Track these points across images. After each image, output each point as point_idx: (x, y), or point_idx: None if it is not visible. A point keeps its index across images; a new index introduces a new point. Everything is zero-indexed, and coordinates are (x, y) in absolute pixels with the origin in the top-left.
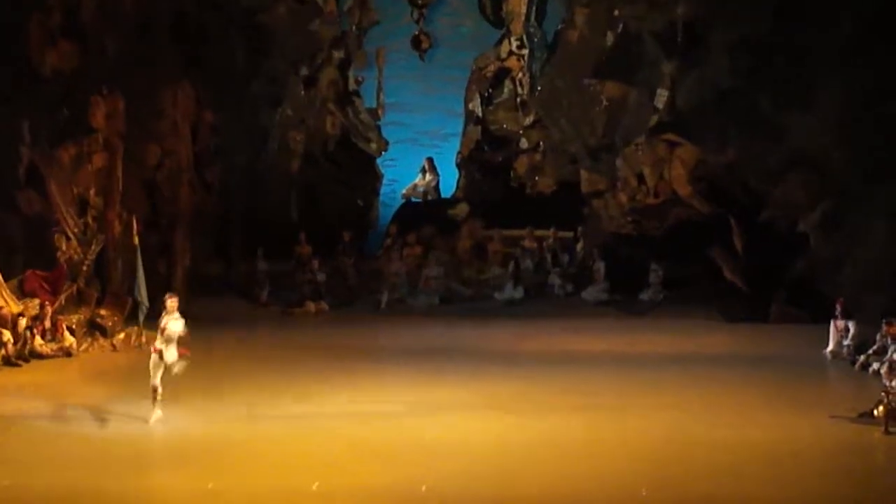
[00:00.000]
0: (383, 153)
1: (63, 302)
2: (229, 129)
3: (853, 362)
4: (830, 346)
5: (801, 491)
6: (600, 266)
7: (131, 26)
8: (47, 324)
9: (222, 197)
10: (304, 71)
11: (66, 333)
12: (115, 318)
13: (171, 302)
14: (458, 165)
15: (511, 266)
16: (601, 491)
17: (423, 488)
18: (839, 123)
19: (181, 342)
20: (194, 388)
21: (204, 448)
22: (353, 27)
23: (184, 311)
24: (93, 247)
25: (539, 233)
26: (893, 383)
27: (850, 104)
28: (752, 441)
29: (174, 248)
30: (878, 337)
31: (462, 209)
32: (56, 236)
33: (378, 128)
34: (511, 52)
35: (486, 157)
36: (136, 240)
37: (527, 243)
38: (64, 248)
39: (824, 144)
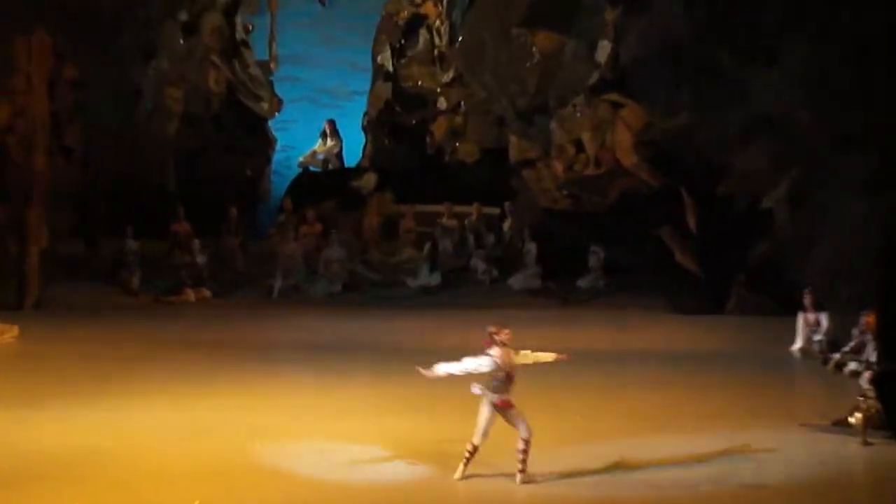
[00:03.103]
0: (276, 114)
1: None
2: (94, 86)
3: (825, 361)
4: (799, 343)
5: None
6: (531, 248)
7: None
8: None
9: (85, 165)
10: (182, 16)
11: None
12: None
13: (506, 335)
14: (364, 129)
15: (427, 248)
16: (533, 496)
17: None
18: (809, 80)
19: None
20: (53, 392)
21: (66, 460)
22: None
23: (38, 300)
24: None
25: (460, 209)
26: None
27: (823, 57)
28: (708, 452)
29: (28, 225)
30: (854, 332)
31: (369, 180)
32: None
33: (271, 84)
34: None
35: (397, 119)
36: None
37: (445, 221)
38: None
39: (792, 105)
